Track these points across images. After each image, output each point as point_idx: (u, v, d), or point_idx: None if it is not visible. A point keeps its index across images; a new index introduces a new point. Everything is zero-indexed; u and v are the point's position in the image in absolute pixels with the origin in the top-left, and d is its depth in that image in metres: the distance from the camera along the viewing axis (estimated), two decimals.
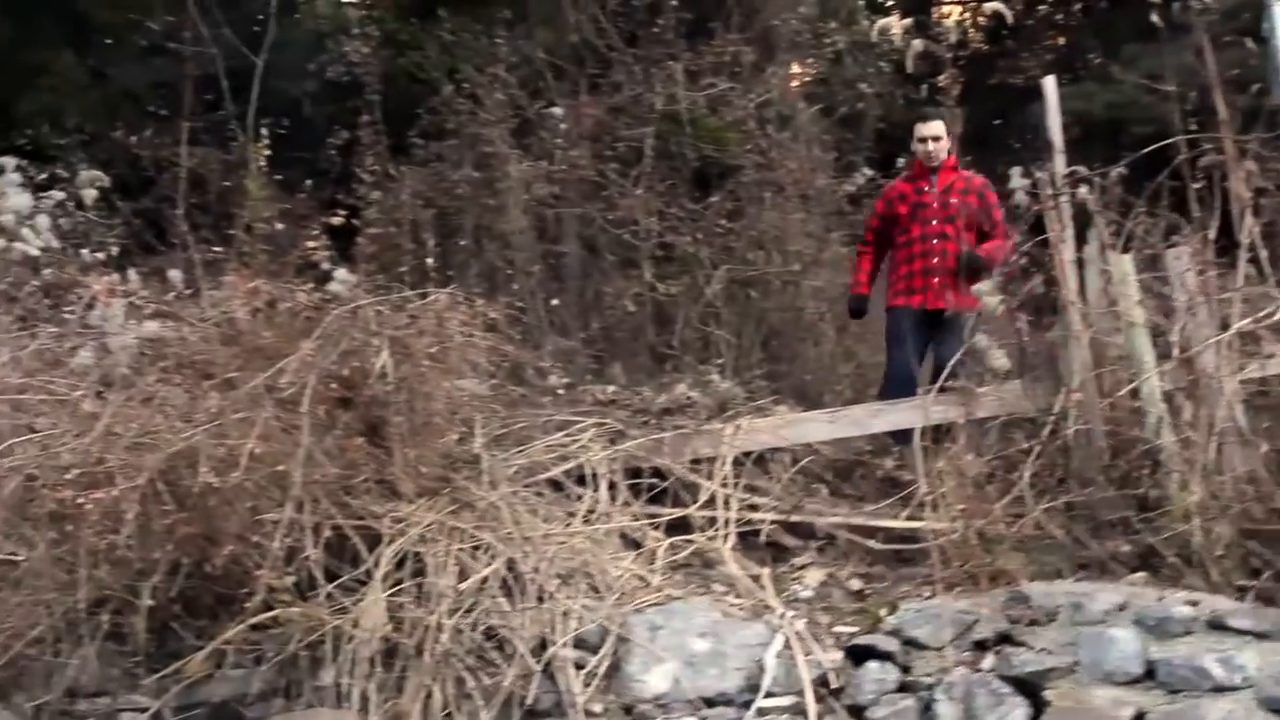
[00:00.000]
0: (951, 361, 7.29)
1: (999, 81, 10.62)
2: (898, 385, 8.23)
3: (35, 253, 7.59)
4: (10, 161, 8.11)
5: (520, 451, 6.72)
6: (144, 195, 9.31)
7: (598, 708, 5.77)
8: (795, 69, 11.05)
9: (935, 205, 8.81)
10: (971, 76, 8.87)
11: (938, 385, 7.08)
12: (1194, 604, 5.62)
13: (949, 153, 8.97)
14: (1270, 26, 8.03)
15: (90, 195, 8.10)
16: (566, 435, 6.87)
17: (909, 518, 6.63)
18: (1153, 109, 8.27)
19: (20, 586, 6.06)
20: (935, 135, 8.88)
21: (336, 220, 8.31)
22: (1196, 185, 6.66)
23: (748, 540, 6.67)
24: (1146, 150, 6.98)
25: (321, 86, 11.24)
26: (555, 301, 8.57)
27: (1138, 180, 6.81)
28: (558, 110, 9.74)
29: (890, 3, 12.84)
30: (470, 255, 8.63)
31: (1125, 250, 6.66)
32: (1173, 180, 6.72)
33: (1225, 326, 6.43)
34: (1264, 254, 6.77)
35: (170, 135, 9.79)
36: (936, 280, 8.67)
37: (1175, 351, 6.45)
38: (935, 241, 8.73)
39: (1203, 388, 6.32)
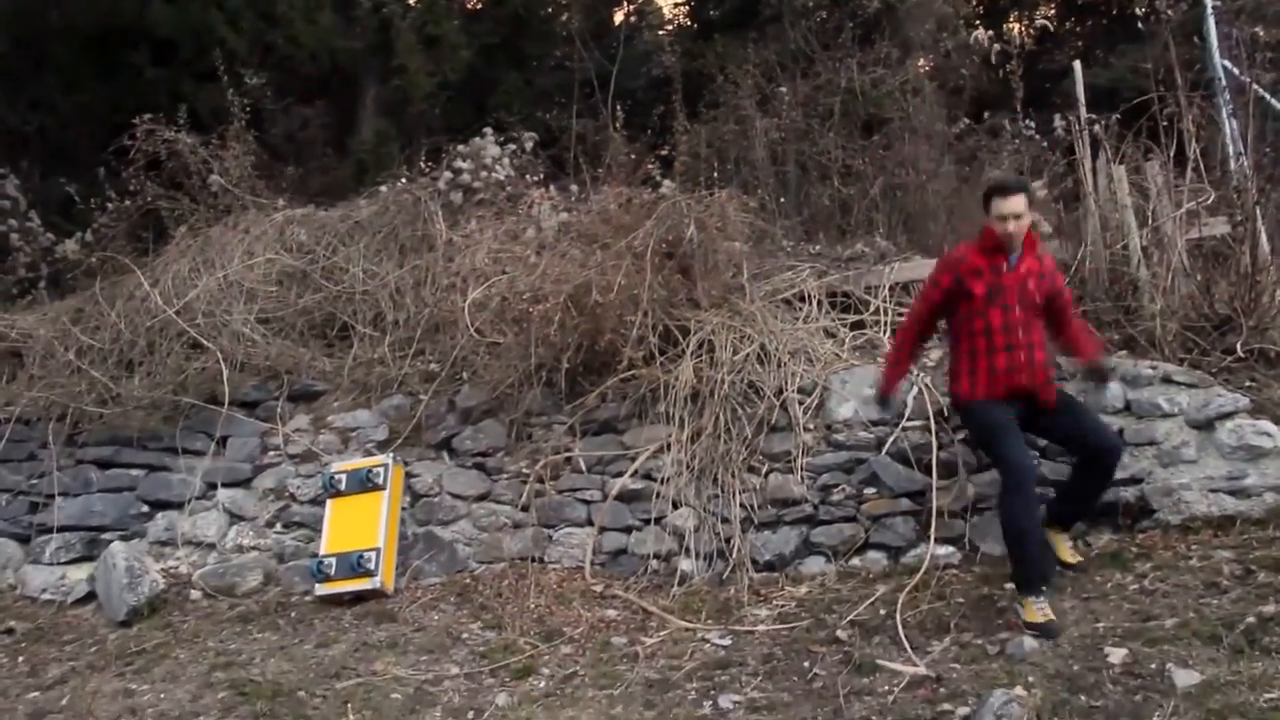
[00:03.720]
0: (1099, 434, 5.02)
1: (1044, 67, 10.24)
2: (1024, 476, 4.82)
3: (502, 178, 7.88)
4: (488, 131, 8.39)
5: (766, 282, 6.77)
6: (553, 146, 9.50)
7: (811, 426, 5.92)
8: (921, 61, 10.74)
9: (1015, 288, 4.97)
10: (1028, 63, 8.46)
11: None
12: (1154, 368, 5.56)
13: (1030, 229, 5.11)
14: (1207, 28, 7.74)
15: (528, 146, 8.33)
16: (793, 273, 6.88)
17: None
18: (1135, 81, 7.95)
19: (499, 358, 6.45)
20: (1016, 214, 4.91)
21: (662, 153, 8.37)
22: (1163, 124, 6.49)
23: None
24: (1133, 103, 6.80)
25: (649, 81, 11.30)
26: (783, 199, 8.52)
27: (1128, 122, 6.65)
28: (783, 89, 9.63)
29: (978, 20, 12.40)
30: (735, 172, 8.65)
31: (1120, 162, 6.50)
32: (1149, 122, 6.57)
33: (1179, 206, 6.27)
34: (1201, 164, 6.63)
35: (567, 113, 9.97)
36: (1023, 379, 4.96)
37: (1149, 222, 6.31)
38: (1020, 334, 4.94)
39: (1164, 243, 6.19)
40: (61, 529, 6.84)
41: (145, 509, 6.89)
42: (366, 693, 5.01)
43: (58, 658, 5.94)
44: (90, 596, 6.55)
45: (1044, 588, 4.76)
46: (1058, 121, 7.71)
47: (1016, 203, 4.94)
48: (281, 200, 8.42)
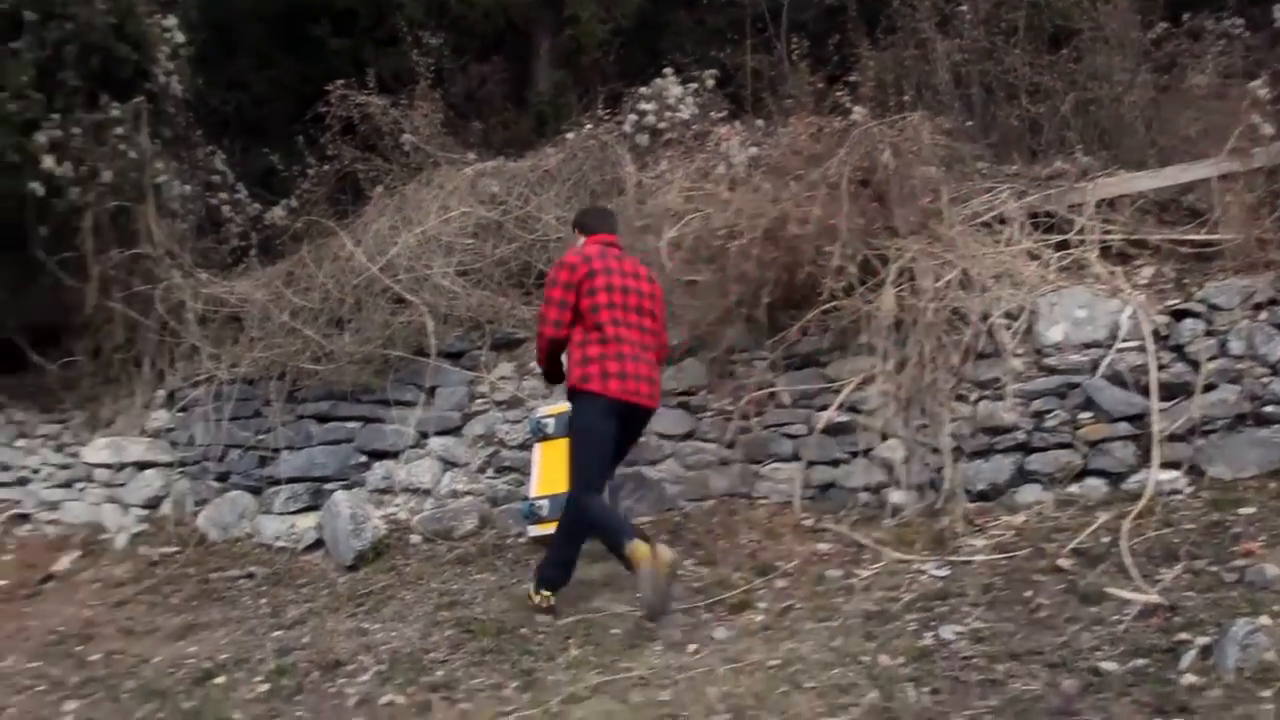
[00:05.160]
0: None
1: None
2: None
3: (686, 117, 7.79)
4: (668, 71, 8.26)
5: (964, 206, 6.47)
6: (729, 84, 9.27)
7: (1020, 351, 5.71)
8: None
9: None
10: None
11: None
12: None
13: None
14: None
15: (709, 84, 8.19)
16: (991, 195, 6.56)
17: (1208, 231, 6.17)
18: None
19: (697, 297, 6.40)
20: None
21: (850, 79, 8.00)
22: None
23: (1106, 251, 6.24)
24: None
25: (821, 10, 10.95)
26: (969, 123, 8.11)
27: None
28: (963, 7, 9.20)
29: None
30: (917, 98, 8.31)
31: None
32: None
33: None
34: None
35: (740, 50, 9.73)
36: None
37: None
38: None
39: None
40: (289, 480, 7.20)
41: (363, 459, 7.17)
42: (586, 629, 5.11)
43: (295, 599, 6.28)
44: (319, 543, 6.89)
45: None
46: (1277, 13, 7.12)
47: None
48: (471, 154, 8.56)
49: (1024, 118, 8.34)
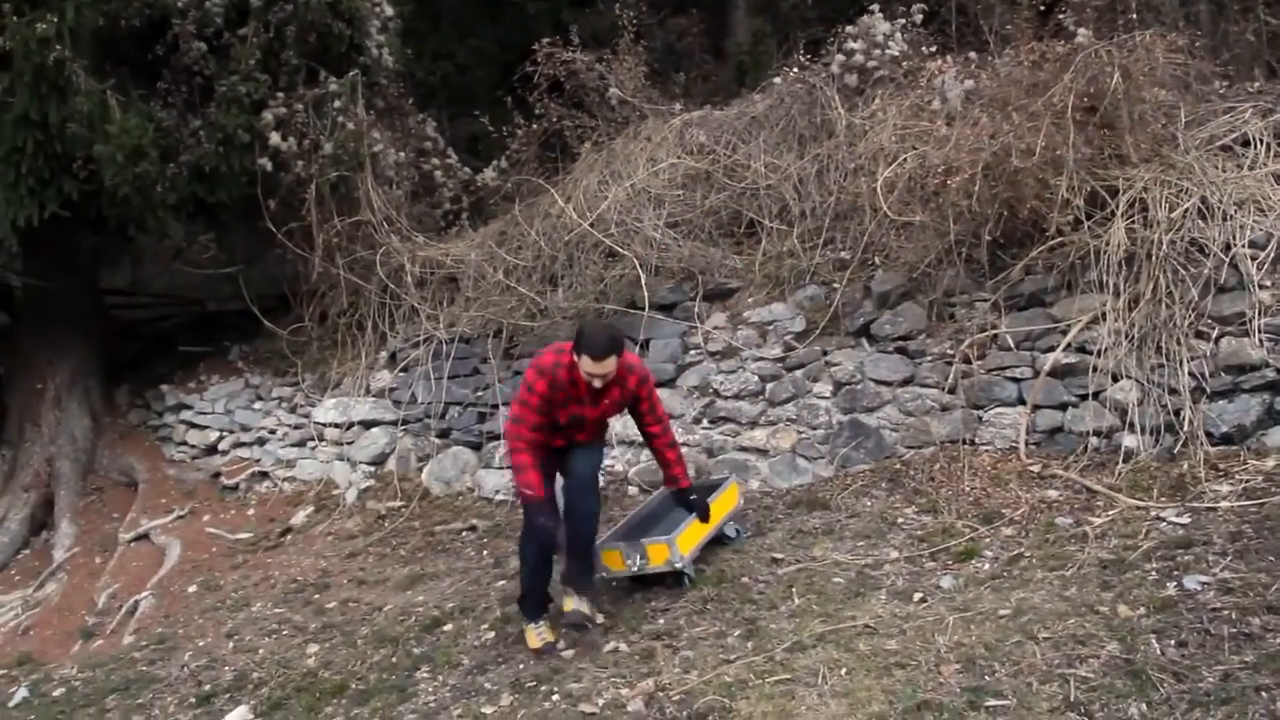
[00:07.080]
0: None
1: None
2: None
3: (896, 53, 7.58)
4: (875, 7, 8.01)
5: (1201, 129, 6.08)
6: (934, 21, 8.92)
7: (1267, 283, 5.34)
8: None
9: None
10: None
11: None
12: None
13: None
14: None
15: (917, 19, 7.93)
16: (1231, 116, 6.14)
17: None
18: None
19: (913, 239, 6.27)
20: (604, 374, 4.88)
21: None
22: None
23: None
24: None
25: None
26: (1197, 42, 7.59)
27: None
28: None
29: None
30: (1138, 22, 7.82)
31: None
32: None
33: None
34: None
35: None
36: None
37: None
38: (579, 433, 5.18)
39: None
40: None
41: None
42: (808, 577, 5.10)
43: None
44: None
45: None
46: None
47: (607, 365, 4.83)
48: (678, 105, 8.59)
49: (1261, 31, 7.80)
